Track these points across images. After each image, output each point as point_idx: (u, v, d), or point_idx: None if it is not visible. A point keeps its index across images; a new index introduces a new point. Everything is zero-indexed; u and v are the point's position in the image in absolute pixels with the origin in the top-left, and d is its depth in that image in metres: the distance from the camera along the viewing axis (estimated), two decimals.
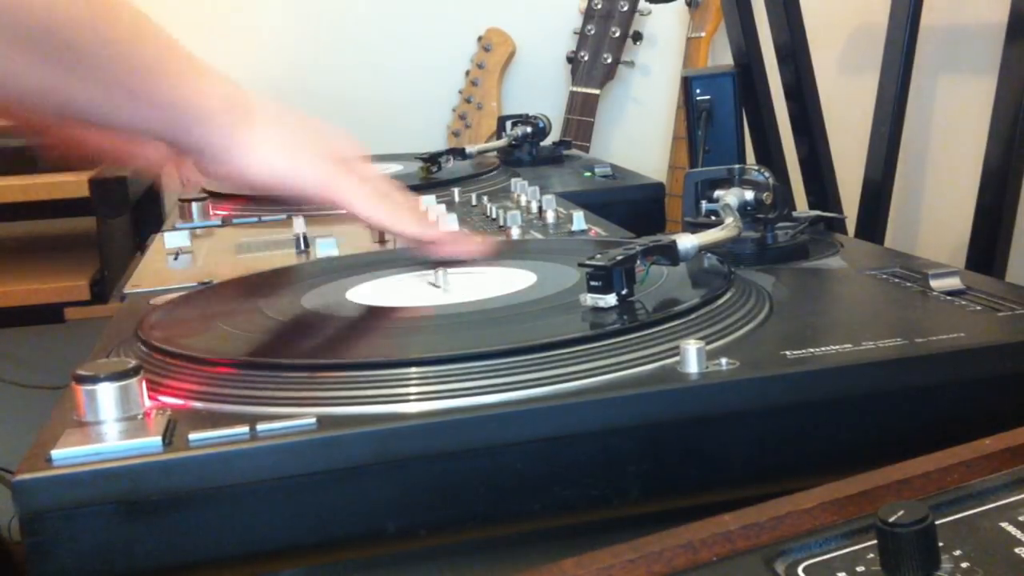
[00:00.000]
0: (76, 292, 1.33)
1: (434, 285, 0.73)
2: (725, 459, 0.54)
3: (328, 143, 0.81)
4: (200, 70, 0.74)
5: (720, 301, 0.64)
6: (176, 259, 0.96)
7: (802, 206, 1.48)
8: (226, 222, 1.13)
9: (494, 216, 1.03)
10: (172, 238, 1.00)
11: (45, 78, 0.63)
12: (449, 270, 0.74)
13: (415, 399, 0.52)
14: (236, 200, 1.21)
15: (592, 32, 1.90)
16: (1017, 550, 0.37)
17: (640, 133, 2.05)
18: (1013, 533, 0.38)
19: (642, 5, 1.88)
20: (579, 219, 0.96)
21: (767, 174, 0.79)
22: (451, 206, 1.10)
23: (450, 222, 0.98)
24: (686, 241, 0.67)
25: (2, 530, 1.45)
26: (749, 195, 0.79)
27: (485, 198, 1.11)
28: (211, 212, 1.15)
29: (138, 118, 0.69)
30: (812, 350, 0.57)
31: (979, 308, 0.63)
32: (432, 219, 0.94)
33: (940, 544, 0.36)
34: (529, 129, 1.43)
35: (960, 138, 1.50)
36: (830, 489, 0.43)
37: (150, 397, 0.54)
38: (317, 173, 0.77)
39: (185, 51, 0.74)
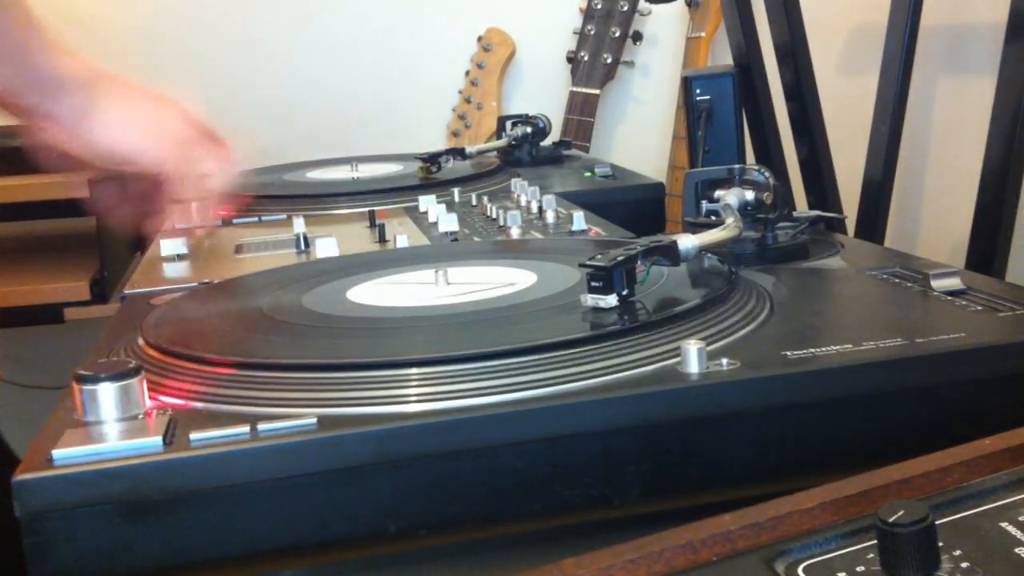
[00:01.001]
0: (76, 292, 1.33)
1: (434, 285, 0.73)
2: (725, 459, 0.54)
3: (173, 125, 0.90)
4: (65, 47, 0.81)
5: (721, 302, 0.64)
6: (176, 259, 0.96)
7: (802, 206, 1.48)
8: (226, 222, 1.13)
9: (494, 216, 1.03)
10: (172, 239, 1.00)
11: None
12: (450, 270, 0.74)
13: (415, 399, 0.52)
14: (236, 200, 1.21)
15: (592, 32, 1.90)
16: (1017, 550, 0.37)
17: (640, 133, 2.05)
18: (1013, 533, 0.38)
19: (642, 5, 1.88)
20: (579, 219, 0.96)
21: (767, 174, 0.79)
22: (451, 206, 1.10)
23: (450, 222, 0.98)
24: (687, 241, 0.67)
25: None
26: (749, 195, 0.79)
27: (485, 198, 1.11)
28: (211, 212, 1.15)
29: (17, 80, 0.77)
30: (812, 350, 0.57)
31: (979, 308, 0.63)
32: None
33: (940, 544, 0.36)
34: (529, 129, 1.43)
35: (960, 138, 1.50)
36: (830, 489, 0.43)
37: (150, 397, 0.54)
38: (157, 154, 0.87)
39: (48, 27, 0.81)
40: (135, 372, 0.53)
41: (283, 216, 1.13)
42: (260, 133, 1.88)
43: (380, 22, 1.97)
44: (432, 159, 1.29)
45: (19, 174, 1.41)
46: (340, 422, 0.50)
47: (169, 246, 0.97)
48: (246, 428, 0.50)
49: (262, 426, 0.50)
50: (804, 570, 0.38)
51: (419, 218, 1.07)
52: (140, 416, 0.52)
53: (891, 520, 0.36)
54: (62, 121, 0.81)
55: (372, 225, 1.05)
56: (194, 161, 0.90)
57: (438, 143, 1.91)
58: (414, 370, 0.55)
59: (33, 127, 0.84)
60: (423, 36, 1.98)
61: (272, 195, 1.24)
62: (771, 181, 0.79)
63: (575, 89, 1.90)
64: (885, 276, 0.73)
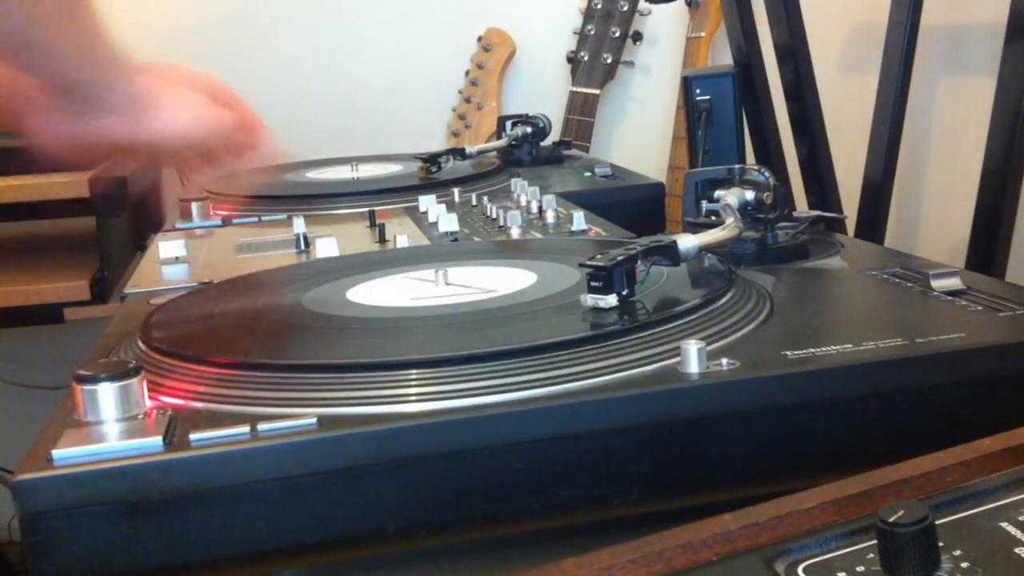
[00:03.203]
0: (76, 292, 1.33)
1: (434, 285, 0.73)
2: (725, 459, 0.54)
3: (208, 94, 0.91)
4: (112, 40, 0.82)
5: (721, 301, 0.64)
6: (176, 259, 0.96)
7: (802, 206, 1.48)
8: (226, 222, 1.13)
9: (494, 216, 1.03)
10: (172, 239, 1.00)
11: None
12: (450, 270, 0.74)
13: (415, 399, 0.52)
14: (236, 200, 1.21)
15: (592, 32, 1.90)
16: (1017, 550, 0.37)
17: (640, 133, 2.05)
18: (1013, 533, 0.38)
19: (642, 5, 1.88)
20: (579, 219, 0.96)
21: (767, 174, 0.79)
22: (451, 206, 1.10)
23: (450, 222, 0.98)
24: (687, 241, 0.67)
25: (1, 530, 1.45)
26: (749, 195, 0.79)
27: (485, 198, 1.11)
28: (211, 212, 1.15)
29: (84, 71, 0.78)
30: (813, 350, 0.57)
31: (979, 308, 0.63)
32: None
33: (940, 544, 0.36)
34: (529, 129, 1.43)
35: (960, 138, 1.50)
36: (830, 489, 0.43)
37: (151, 397, 0.54)
38: (209, 125, 0.88)
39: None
40: (135, 372, 0.53)
41: (283, 216, 1.13)
42: None
43: (380, 22, 1.97)
44: (432, 159, 1.29)
45: (19, 174, 1.41)
46: (340, 422, 0.50)
47: (169, 246, 0.97)
48: (246, 428, 0.50)
49: (262, 426, 0.50)
50: (804, 570, 0.38)
51: (419, 218, 1.07)
52: (140, 416, 0.52)
53: (891, 520, 0.36)
54: (121, 110, 0.82)
55: (372, 225, 1.05)
56: (232, 139, 0.92)
57: (438, 143, 1.91)
58: (414, 370, 0.55)
59: (88, 119, 0.84)
60: (423, 36, 1.98)
61: (272, 195, 1.24)
62: (771, 181, 0.79)
63: (575, 89, 1.90)
64: (885, 276, 0.73)
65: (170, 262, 0.95)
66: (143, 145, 0.86)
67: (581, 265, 0.64)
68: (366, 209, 1.11)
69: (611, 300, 0.62)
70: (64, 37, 0.76)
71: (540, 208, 1.03)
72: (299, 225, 0.99)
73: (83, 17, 0.77)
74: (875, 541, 0.36)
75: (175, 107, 0.85)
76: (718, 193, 0.80)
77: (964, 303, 0.65)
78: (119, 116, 0.82)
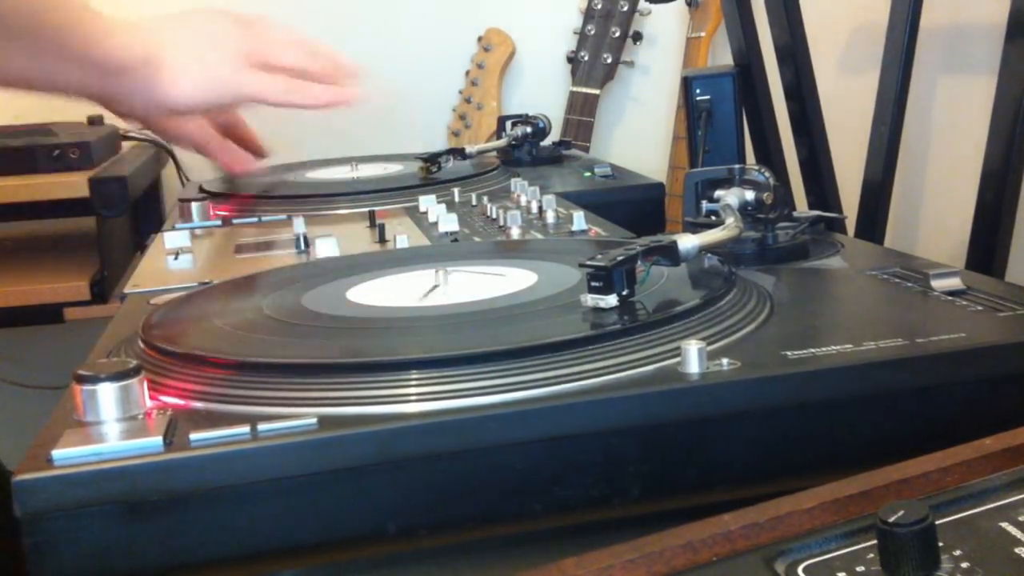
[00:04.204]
0: (76, 292, 1.33)
1: (434, 285, 0.73)
2: (725, 459, 0.54)
3: (233, 42, 0.94)
4: (115, 25, 0.84)
5: (721, 302, 0.64)
6: (176, 259, 0.96)
7: (802, 206, 1.48)
8: (226, 222, 1.13)
9: (494, 216, 1.03)
10: (172, 238, 1.00)
11: None
12: (450, 270, 0.74)
13: (415, 399, 0.52)
14: (236, 200, 1.21)
15: (592, 32, 1.90)
16: (1017, 550, 0.37)
17: (640, 133, 2.05)
18: (1013, 533, 0.38)
19: (642, 5, 1.88)
20: (579, 219, 0.96)
21: (767, 174, 0.79)
22: (451, 206, 1.10)
23: (450, 222, 0.98)
24: (687, 241, 0.67)
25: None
26: (749, 195, 0.79)
27: (485, 198, 1.11)
28: (211, 212, 1.15)
29: (73, 79, 0.81)
30: (813, 350, 0.57)
31: (979, 308, 0.63)
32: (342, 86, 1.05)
33: (940, 544, 0.36)
34: (529, 129, 1.43)
35: (960, 138, 1.50)
36: (830, 489, 0.43)
37: (151, 397, 0.54)
38: (230, 86, 0.91)
39: (95, 9, 0.83)
40: (135, 372, 0.53)
41: (283, 216, 1.12)
42: (259, 133, 1.88)
43: (380, 22, 1.96)
44: (432, 159, 1.29)
45: (19, 174, 1.41)
46: (340, 422, 0.50)
47: (169, 246, 0.97)
48: (246, 428, 0.50)
49: (262, 426, 0.50)
50: (804, 570, 0.38)
51: (419, 218, 1.07)
52: (140, 416, 0.52)
53: (891, 520, 0.36)
54: (136, 97, 0.86)
55: (372, 225, 1.05)
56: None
57: (438, 143, 1.91)
58: (414, 370, 0.55)
59: (113, 109, 0.89)
60: (423, 36, 1.98)
61: (272, 195, 1.24)
62: (771, 181, 0.79)
63: (575, 89, 1.90)
64: (885, 276, 0.73)
65: (171, 260, 0.95)
66: (174, 119, 0.92)
67: (581, 265, 0.64)
68: (366, 209, 1.11)
69: (611, 300, 0.62)
70: (48, 58, 0.79)
71: (540, 208, 1.03)
72: (299, 225, 0.99)
73: (62, 36, 0.79)
74: (875, 541, 0.36)
75: (187, 72, 0.88)
76: (718, 193, 0.80)
77: (964, 303, 0.65)
78: (134, 101, 0.86)
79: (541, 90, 2.00)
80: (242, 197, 1.23)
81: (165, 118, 0.92)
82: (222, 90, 0.90)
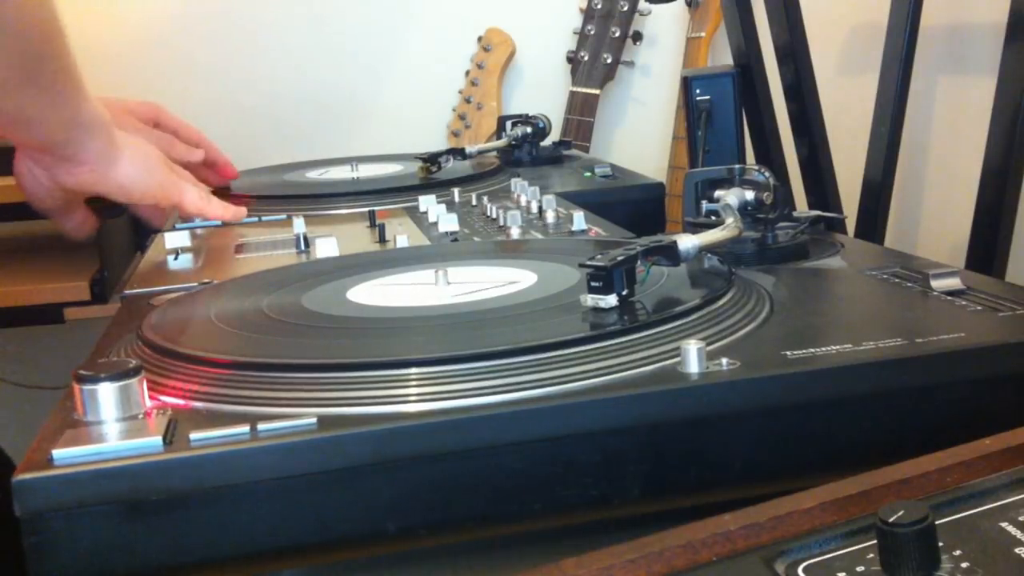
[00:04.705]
0: (76, 292, 1.32)
1: (434, 285, 0.73)
2: (725, 459, 0.54)
3: (162, 153, 1.01)
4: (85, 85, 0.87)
5: (721, 301, 0.64)
6: (176, 259, 0.96)
7: (802, 206, 1.48)
8: (226, 222, 1.13)
9: (494, 216, 1.03)
10: (172, 238, 1.00)
11: None
12: (450, 270, 0.74)
13: (415, 399, 0.52)
14: (236, 200, 1.21)
15: (592, 32, 1.90)
16: (1017, 550, 0.37)
17: (640, 133, 2.05)
18: (1013, 533, 0.38)
19: (642, 5, 1.88)
20: (579, 219, 0.96)
21: (767, 174, 0.79)
22: (451, 206, 1.10)
23: (450, 222, 0.98)
24: (687, 241, 0.67)
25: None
26: (749, 195, 0.79)
27: (485, 198, 1.11)
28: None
29: (48, 116, 0.82)
30: (812, 350, 0.57)
31: (979, 308, 0.63)
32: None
33: (940, 544, 0.36)
34: (529, 129, 1.43)
35: (960, 138, 1.50)
36: (830, 489, 0.43)
37: (151, 397, 0.54)
38: (161, 183, 0.97)
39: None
40: (135, 372, 0.53)
41: (283, 216, 1.13)
42: (259, 133, 1.88)
43: (380, 22, 1.96)
44: (432, 159, 1.29)
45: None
46: (340, 422, 0.50)
47: (169, 246, 0.97)
48: (246, 428, 0.50)
49: (262, 426, 0.50)
50: (804, 570, 0.38)
51: (419, 218, 1.07)
52: (140, 416, 0.52)
53: (891, 520, 0.36)
54: (91, 165, 0.89)
55: (372, 225, 1.05)
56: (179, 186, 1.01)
57: (438, 143, 1.91)
58: (414, 370, 0.55)
59: (60, 171, 0.90)
60: (423, 36, 1.98)
61: (272, 195, 1.24)
62: (771, 181, 0.79)
63: (575, 89, 1.90)
64: (885, 276, 0.73)
65: (171, 260, 0.95)
66: (113, 191, 0.93)
67: (581, 265, 0.64)
68: (366, 209, 1.11)
69: (611, 300, 0.62)
70: (52, 107, 0.82)
71: (540, 208, 1.03)
72: (299, 225, 0.99)
73: (70, 89, 0.82)
74: (875, 541, 0.36)
75: (134, 160, 0.93)
76: (718, 193, 0.80)
77: (964, 303, 0.65)
78: (91, 166, 0.89)
79: (541, 90, 2.00)
80: (242, 197, 1.23)
81: (107, 189, 0.94)
82: (157, 191, 0.96)
